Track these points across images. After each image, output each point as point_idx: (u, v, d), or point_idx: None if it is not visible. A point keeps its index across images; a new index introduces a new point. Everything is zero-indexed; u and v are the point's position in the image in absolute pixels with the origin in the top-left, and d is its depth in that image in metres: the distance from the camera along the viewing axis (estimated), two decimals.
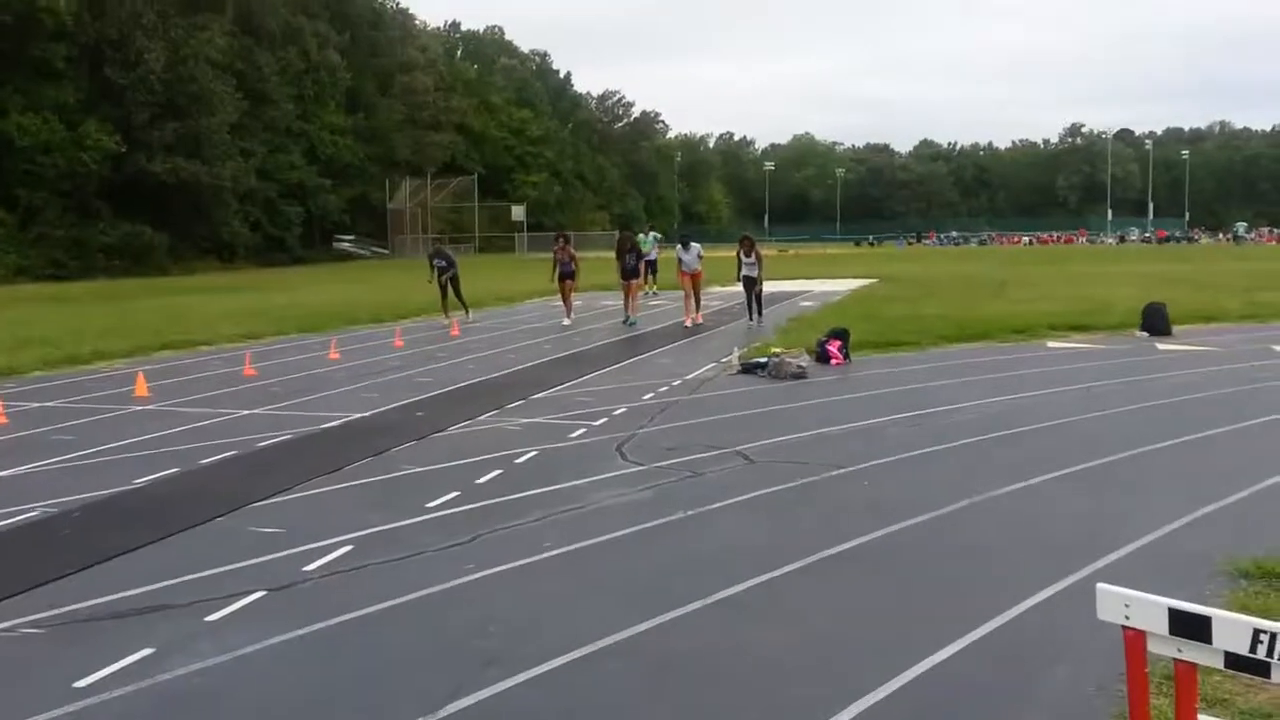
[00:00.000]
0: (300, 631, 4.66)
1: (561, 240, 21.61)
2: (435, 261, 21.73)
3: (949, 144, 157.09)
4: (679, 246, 20.20)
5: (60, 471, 8.01)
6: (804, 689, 4.02)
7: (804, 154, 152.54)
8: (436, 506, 6.75)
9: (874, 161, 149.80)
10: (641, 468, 7.82)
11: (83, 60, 49.30)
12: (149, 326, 19.70)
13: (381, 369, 13.95)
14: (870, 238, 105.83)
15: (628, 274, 20.10)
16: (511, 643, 4.50)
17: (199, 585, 5.29)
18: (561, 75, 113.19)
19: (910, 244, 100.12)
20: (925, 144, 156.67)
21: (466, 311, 21.50)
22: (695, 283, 19.67)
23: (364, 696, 4.03)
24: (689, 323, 19.23)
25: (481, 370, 13.63)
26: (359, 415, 10.30)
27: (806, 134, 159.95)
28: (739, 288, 19.84)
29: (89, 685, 4.11)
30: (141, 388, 11.88)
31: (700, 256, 19.81)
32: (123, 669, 4.26)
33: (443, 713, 3.84)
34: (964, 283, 30.13)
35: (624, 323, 19.63)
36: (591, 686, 4.09)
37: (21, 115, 45.73)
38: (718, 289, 27.33)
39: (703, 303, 20.56)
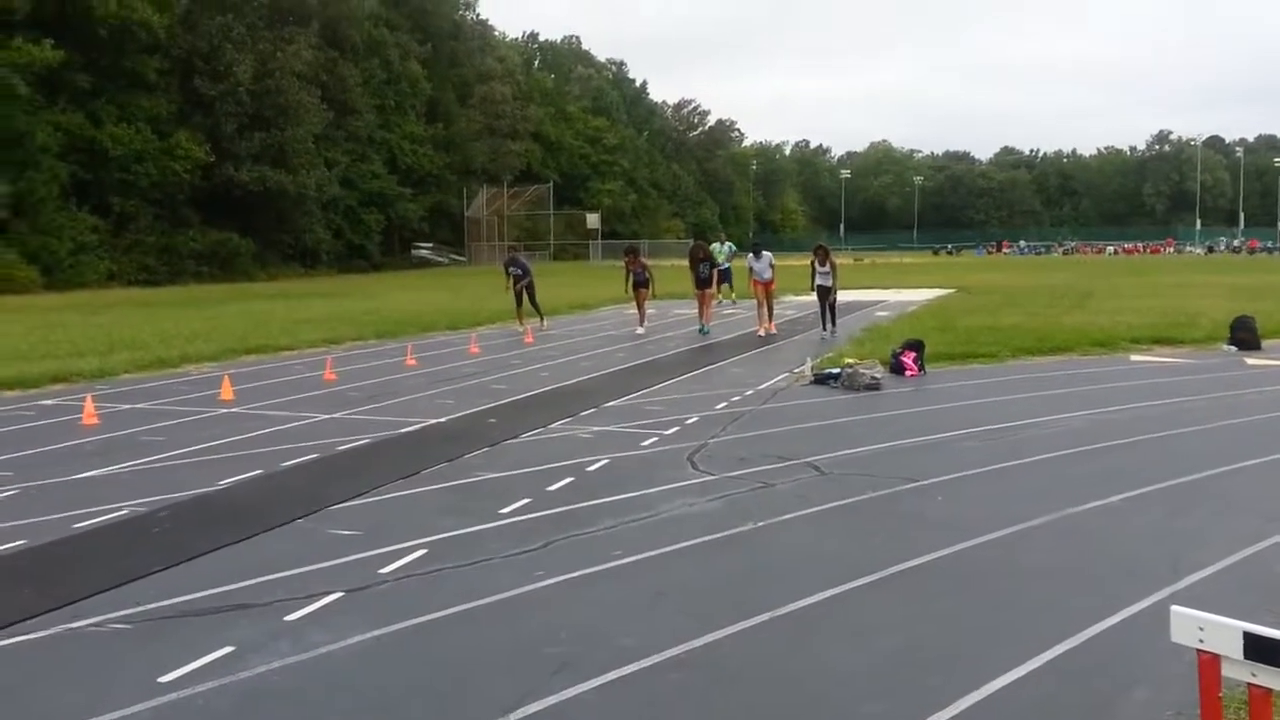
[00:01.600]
0: (376, 633, 4.77)
1: (630, 255, 21.72)
2: (510, 270, 21.94)
3: (1031, 151, 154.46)
4: (750, 255, 20.33)
5: (149, 472, 8.28)
6: (872, 705, 4.00)
7: (881, 161, 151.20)
8: (509, 513, 6.84)
9: (953, 169, 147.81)
10: (712, 477, 7.83)
11: (174, 72, 50.85)
12: (234, 331, 20.23)
13: (457, 375, 14.15)
14: (949, 246, 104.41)
15: (701, 283, 20.09)
16: (580, 649, 4.54)
17: (279, 585, 5.43)
18: (637, 84, 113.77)
19: (990, 253, 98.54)
20: (1006, 151, 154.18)
21: (541, 319, 21.65)
22: (768, 292, 19.72)
23: (436, 699, 4.11)
24: (762, 332, 19.22)
25: (555, 378, 13.75)
26: (435, 421, 10.47)
27: (884, 141, 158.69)
28: (813, 297, 19.77)
29: (173, 680, 4.26)
30: (227, 391, 12.21)
31: (772, 265, 19.88)
32: (205, 665, 4.40)
33: (512, 717, 3.90)
34: (1045, 293, 29.57)
35: (699, 331, 19.68)
36: (658, 697, 4.12)
37: (116, 126, 47.28)
38: (792, 298, 27.20)
39: (776, 312, 20.55)
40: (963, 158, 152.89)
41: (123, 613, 5.06)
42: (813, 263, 19.40)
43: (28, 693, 4.20)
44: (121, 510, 7.01)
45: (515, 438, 9.56)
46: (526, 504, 7.05)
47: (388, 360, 16.02)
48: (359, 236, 64.48)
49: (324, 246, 59.79)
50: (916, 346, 13.80)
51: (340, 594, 5.28)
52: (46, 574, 5.69)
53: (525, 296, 21.43)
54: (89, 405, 10.93)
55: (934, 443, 9.08)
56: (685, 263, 23.08)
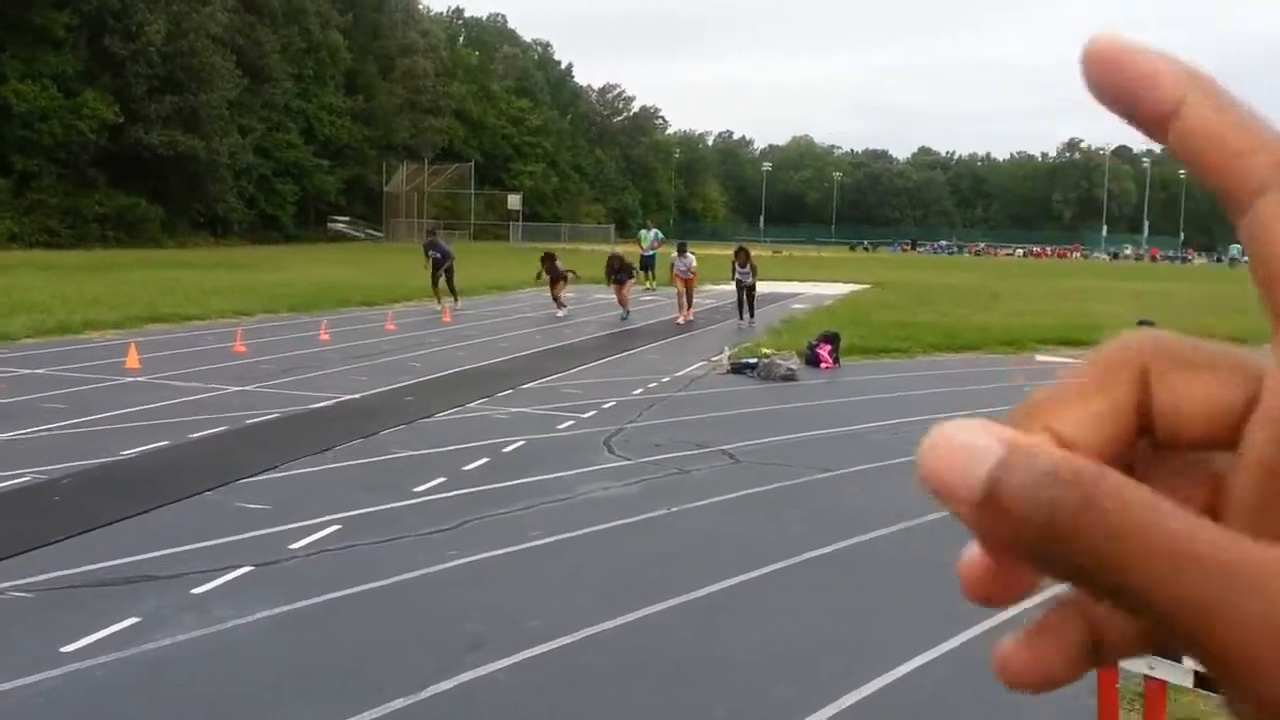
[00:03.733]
0: (286, 608, 4.72)
1: (547, 262, 21.35)
2: (430, 253, 21.69)
3: (947, 153, 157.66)
4: (675, 253, 20.87)
5: (51, 439, 8.04)
6: (776, 689, 4.10)
7: (802, 156, 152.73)
8: (424, 491, 6.82)
9: (872, 167, 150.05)
10: (628, 462, 7.89)
11: (83, 29, 49.03)
12: (141, 299, 19.66)
13: (372, 352, 13.98)
14: (865, 243, 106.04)
15: (616, 283, 20.66)
16: (493, 628, 4.57)
17: (186, 558, 5.34)
18: (563, 66, 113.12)
19: (904, 251, 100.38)
20: (924, 151, 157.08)
21: (455, 299, 21.60)
22: (689, 285, 20.38)
23: (346, 675, 4.10)
24: (681, 320, 19.66)
25: (472, 358, 13.67)
26: (349, 397, 10.34)
27: (806, 136, 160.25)
28: (732, 286, 20.32)
29: (76, 650, 4.17)
30: (133, 359, 11.89)
31: (693, 268, 20.40)
32: (109, 636, 4.32)
33: (425, 693, 3.91)
34: (956, 292, 30.27)
35: (619, 317, 19.85)
36: (569, 676, 4.16)
37: (20, 82, 45.47)
38: (711, 287, 27.39)
39: (695, 301, 20.87)
40: (881, 156, 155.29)
41: (24, 580, 4.93)
42: (733, 264, 19.98)
43: None
44: (23, 477, 6.81)
45: (431, 416, 9.50)
46: (442, 483, 7.03)
47: (300, 334, 15.74)
48: (272, 207, 63.03)
49: (235, 216, 58.32)
50: (832, 339, 14.04)
51: (249, 568, 5.22)
52: None
53: (445, 279, 21.38)
54: None
55: (846, 434, 9.27)
56: (605, 249, 23.41)
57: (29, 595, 4.79)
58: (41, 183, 46.90)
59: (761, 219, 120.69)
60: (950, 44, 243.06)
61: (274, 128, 63.28)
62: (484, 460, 7.74)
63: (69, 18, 47.90)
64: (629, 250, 27.94)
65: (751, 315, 19.56)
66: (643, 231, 27.86)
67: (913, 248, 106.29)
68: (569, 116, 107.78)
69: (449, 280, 21.44)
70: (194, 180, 53.78)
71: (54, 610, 4.62)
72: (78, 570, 5.10)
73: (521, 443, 8.45)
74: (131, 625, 4.44)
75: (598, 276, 26.34)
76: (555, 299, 20.67)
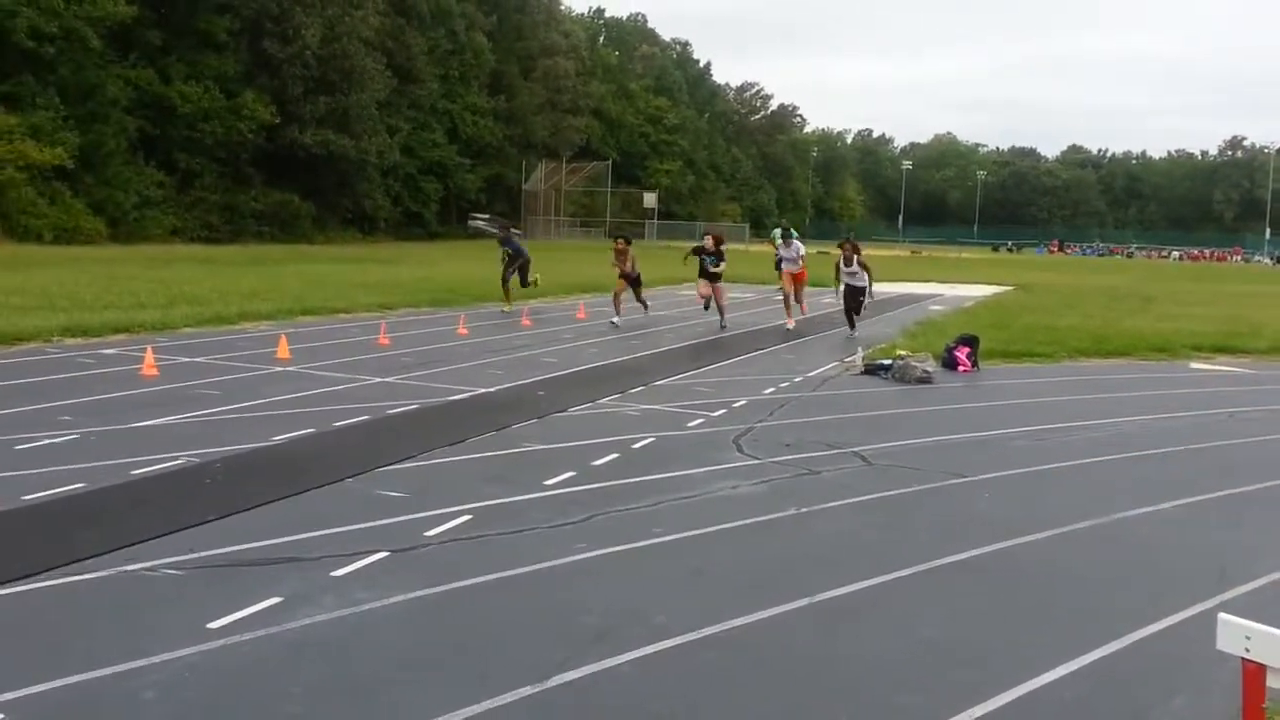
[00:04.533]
0: (419, 593, 4.85)
1: (621, 243, 19.11)
2: (504, 248, 20.23)
3: (1099, 150, 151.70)
4: (779, 241, 18.78)
5: (205, 424, 8.45)
6: (904, 696, 4.00)
7: (944, 154, 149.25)
8: (553, 484, 6.90)
9: (1018, 165, 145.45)
10: (757, 461, 7.84)
11: (244, 33, 51.37)
12: (292, 292, 20.50)
13: (508, 347, 14.25)
14: (1009, 243, 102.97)
15: (709, 275, 18.06)
16: (618, 622, 4.59)
17: (327, 541, 5.53)
18: (701, 65, 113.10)
19: (1051, 252, 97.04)
20: (1074, 149, 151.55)
21: (509, 301, 19.53)
22: (797, 283, 18.33)
23: (475, 660, 4.18)
24: (790, 324, 17.80)
25: (605, 355, 13.80)
26: (484, 390, 10.56)
27: (948, 134, 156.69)
28: (839, 298, 17.72)
29: (221, 627, 4.37)
30: (283, 350, 12.40)
31: (802, 256, 18.55)
32: (253, 614, 4.51)
33: (550, 682, 3.96)
34: (1106, 295, 29.09)
35: (718, 326, 17.72)
36: (692, 673, 4.15)
37: (185, 84, 47.91)
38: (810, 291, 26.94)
39: (807, 305, 19.07)
40: (1029, 154, 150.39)
41: (175, 559, 5.19)
42: (837, 262, 17.20)
43: (81, 630, 4.33)
44: (178, 459, 7.17)
45: (563, 411, 9.63)
46: (571, 477, 7.11)
47: (440, 328, 16.16)
48: (417, 204, 64.90)
49: (382, 213, 60.26)
50: (971, 342, 13.66)
51: (386, 553, 5.37)
52: (104, 517, 5.85)
53: (518, 276, 19.80)
54: (149, 357, 11.15)
55: (983, 439, 9.00)
56: (738, 247, 23.02)
57: (179, 573, 5.03)
58: (203, 180, 49.35)
59: (900, 218, 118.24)
60: (1103, 37, 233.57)
61: (420, 127, 65.12)
62: (614, 456, 7.80)
63: (230, 22, 50.26)
64: (765, 251, 27.59)
65: (852, 325, 17.27)
66: (776, 231, 27.69)
67: (1060, 249, 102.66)
68: (706, 115, 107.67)
69: (522, 279, 19.93)
70: (344, 178, 55.81)
71: (202, 587, 4.85)
72: (225, 550, 5.34)
73: (651, 439, 8.48)
74: (274, 604, 4.63)
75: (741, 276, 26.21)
76: (640, 300, 18.97)
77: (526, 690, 3.89)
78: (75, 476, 6.61)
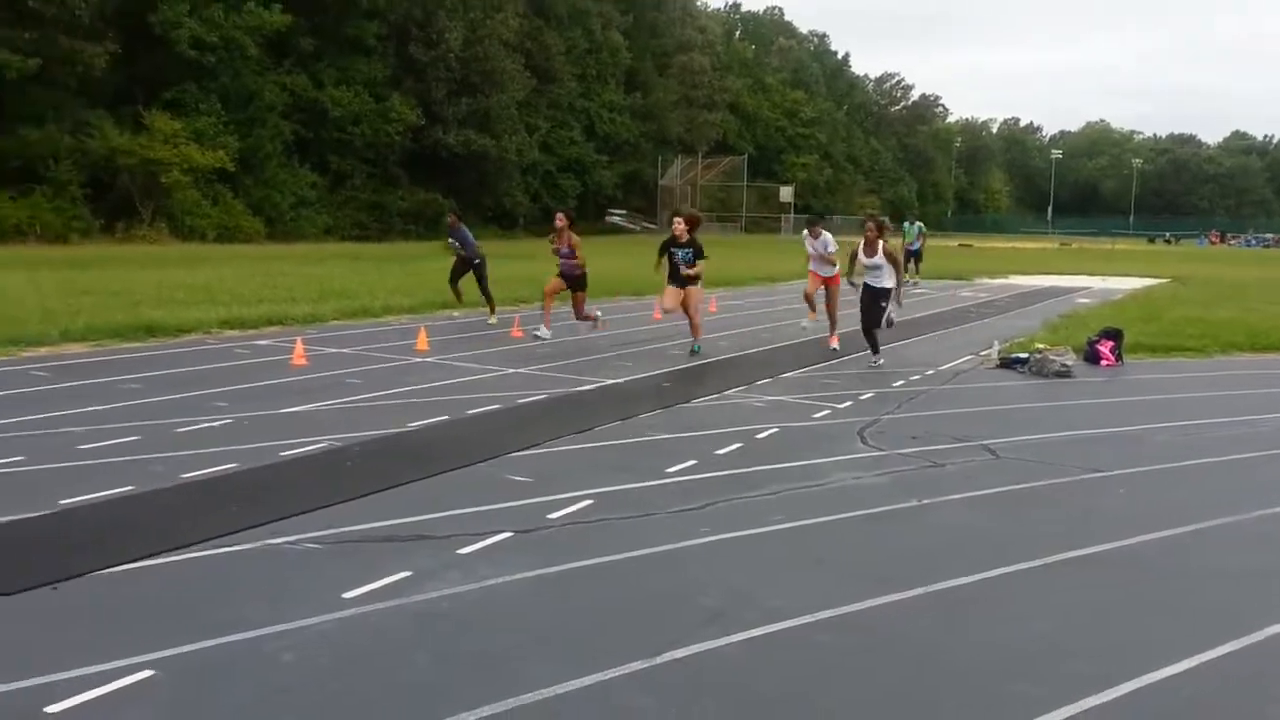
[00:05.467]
0: (540, 571, 5.03)
1: (560, 218, 14.60)
2: (450, 241, 16.94)
3: (1265, 136, 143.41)
4: (805, 232, 13.72)
5: (347, 411, 8.87)
6: (1017, 685, 3.97)
7: (1096, 142, 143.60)
8: (675, 472, 7.02)
9: (1177, 153, 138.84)
10: (881, 453, 7.79)
11: (391, 38, 53.23)
12: (433, 287, 21.16)
13: (637, 340, 14.44)
14: (1166, 234, 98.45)
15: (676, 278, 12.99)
16: (732, 605, 4.67)
17: (455, 521, 5.78)
18: (839, 56, 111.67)
19: (1212, 243, 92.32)
20: (1237, 135, 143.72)
21: (491, 309, 16.48)
22: (831, 291, 13.76)
23: (592, 635, 4.32)
24: (834, 342, 13.46)
25: (733, 347, 13.86)
26: (612, 381, 10.76)
27: (1101, 121, 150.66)
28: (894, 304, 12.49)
29: (355, 597, 4.63)
30: (422, 342, 12.88)
31: (830, 253, 13.44)
32: (384, 586, 4.76)
33: (661, 658, 4.07)
34: (1268, 288, 27.57)
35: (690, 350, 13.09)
36: (803, 656, 4.21)
37: (335, 88, 49.95)
38: (986, 281, 26.29)
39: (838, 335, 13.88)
40: (1188, 141, 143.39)
41: (315, 533, 5.50)
42: (854, 251, 12.55)
43: (228, 597, 4.65)
44: (321, 443, 7.57)
45: (688, 402, 9.74)
46: (693, 465, 7.21)
47: (573, 321, 16.45)
48: (555, 201, 66.02)
49: (521, 210, 61.58)
50: (1115, 336, 13.19)
51: (510, 534, 5.58)
52: (252, 494, 6.24)
53: (476, 279, 16.53)
54: (299, 347, 11.75)
55: (1122, 435, 8.72)
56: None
57: (319, 546, 5.34)
58: (353, 181, 51.38)
59: (1049, 209, 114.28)
60: (1267, 19, 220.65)
61: (558, 125, 66.23)
62: (737, 446, 7.87)
63: (379, 27, 52.13)
64: (895, 245, 27.24)
65: (874, 348, 12.40)
66: (906, 224, 27.32)
67: (1222, 240, 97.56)
68: (844, 107, 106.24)
69: (480, 284, 16.52)
70: (484, 177, 57.25)
71: (338, 561, 5.14)
72: (361, 527, 5.64)
73: (775, 430, 8.51)
74: (404, 578, 4.87)
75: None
76: (579, 314, 14.45)
77: (638, 665, 4.01)
78: (229, 457, 7.06)
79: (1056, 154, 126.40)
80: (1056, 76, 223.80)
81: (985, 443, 8.18)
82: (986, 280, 26.43)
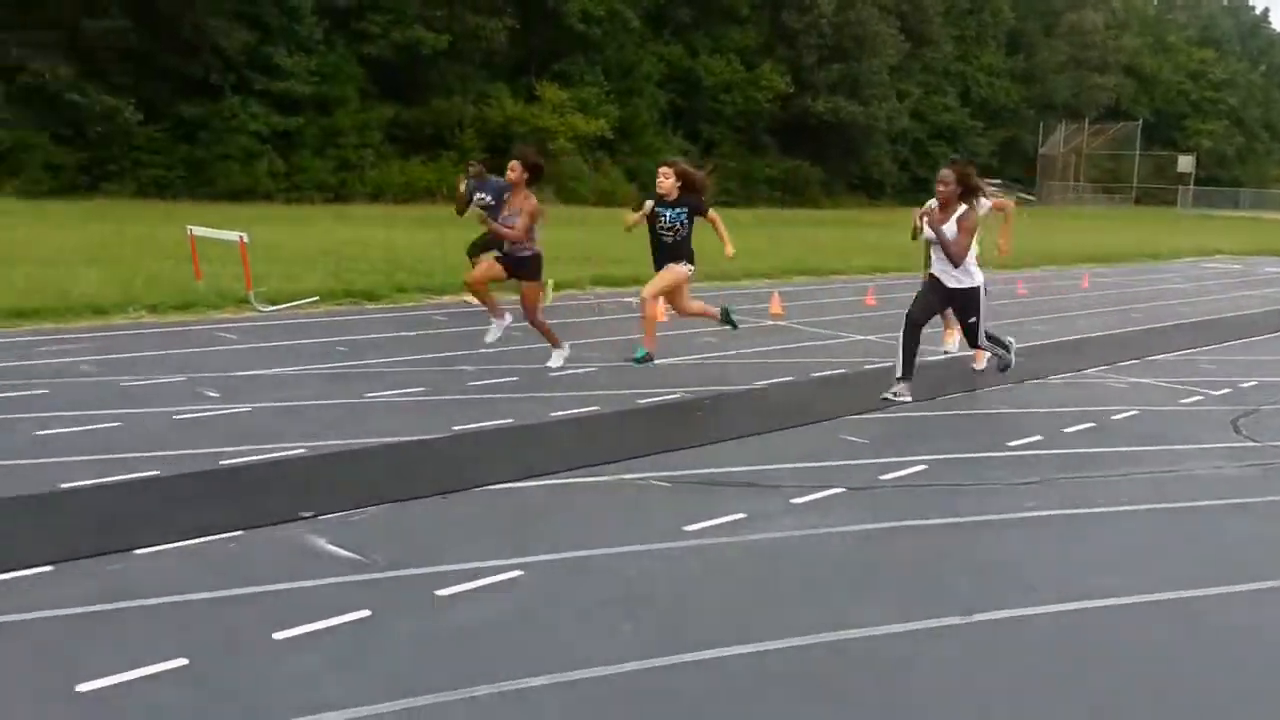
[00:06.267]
0: (867, 526, 5.27)
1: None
2: (475, 197, 12.41)
3: None
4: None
5: (705, 366, 9.47)
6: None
7: None
8: (1016, 446, 6.95)
9: None
10: (1254, 444, 7.26)
11: (764, 6, 53.94)
12: (791, 253, 21.60)
13: (998, 314, 14.01)
14: None
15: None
16: (1052, 576, 4.68)
17: (791, 474, 6.12)
18: (1257, 11, 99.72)
19: None
20: None
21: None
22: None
23: (909, 587, 4.52)
24: (980, 364, 9.82)
25: (1098, 325, 13.15)
26: (964, 353, 10.61)
27: None
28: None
29: (694, 530, 5.10)
30: (775, 306, 13.29)
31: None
32: (721, 524, 5.19)
33: (974, 618, 4.20)
34: None
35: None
36: (1118, 635, 4.16)
37: (709, 57, 51.47)
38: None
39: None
40: None
41: (664, 473, 6.04)
42: (921, 215, 8.46)
43: (586, 520, 5.28)
44: (675, 394, 8.17)
45: (1042, 379, 9.48)
46: (1037, 440, 7.09)
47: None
48: (925, 170, 64.21)
49: (889, 179, 60.55)
50: None
51: (841, 490, 5.84)
52: (608, 436, 6.91)
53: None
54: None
55: None
56: None
57: (667, 485, 5.87)
58: (721, 149, 52.79)
59: None
60: None
61: (931, 91, 64.28)
62: (1088, 425, 7.62)
63: None
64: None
65: (988, 341, 8.73)
66: None
67: None
68: (1262, 67, 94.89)
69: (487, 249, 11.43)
70: (851, 145, 56.78)
71: (682, 498, 5.64)
72: (704, 471, 6.12)
73: (1134, 412, 8.13)
74: (739, 519, 5.28)
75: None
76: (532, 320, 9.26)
77: (951, 619, 4.16)
78: (592, 401, 7.81)
79: None
80: None
81: None
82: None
